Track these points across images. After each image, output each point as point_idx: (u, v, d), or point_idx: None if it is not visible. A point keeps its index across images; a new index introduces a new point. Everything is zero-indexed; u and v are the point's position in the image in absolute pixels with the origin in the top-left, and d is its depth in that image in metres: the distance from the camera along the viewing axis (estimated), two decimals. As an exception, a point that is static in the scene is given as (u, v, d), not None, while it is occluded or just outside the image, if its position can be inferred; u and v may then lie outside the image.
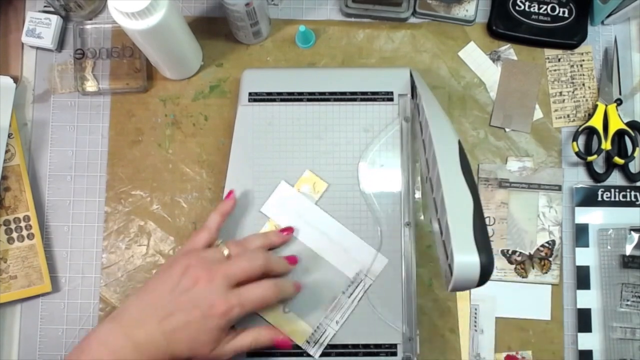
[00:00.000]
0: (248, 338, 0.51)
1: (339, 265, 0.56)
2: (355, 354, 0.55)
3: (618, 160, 0.61)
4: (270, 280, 0.51)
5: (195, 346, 0.48)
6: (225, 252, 0.51)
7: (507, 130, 0.63)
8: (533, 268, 0.60)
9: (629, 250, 0.60)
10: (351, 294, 0.56)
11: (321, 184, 0.58)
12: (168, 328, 0.47)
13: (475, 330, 0.60)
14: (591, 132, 0.62)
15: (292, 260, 0.55)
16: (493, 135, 0.63)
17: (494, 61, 0.64)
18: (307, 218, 0.57)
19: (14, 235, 0.60)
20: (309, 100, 0.60)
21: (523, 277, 0.60)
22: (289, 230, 0.56)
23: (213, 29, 0.64)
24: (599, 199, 0.62)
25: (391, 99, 0.59)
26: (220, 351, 0.49)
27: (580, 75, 0.64)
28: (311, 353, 0.55)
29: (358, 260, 0.56)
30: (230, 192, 0.56)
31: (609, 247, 0.61)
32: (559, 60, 0.64)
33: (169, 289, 0.48)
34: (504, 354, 0.59)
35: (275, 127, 0.59)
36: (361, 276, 0.56)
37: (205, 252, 0.51)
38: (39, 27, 0.62)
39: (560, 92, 0.64)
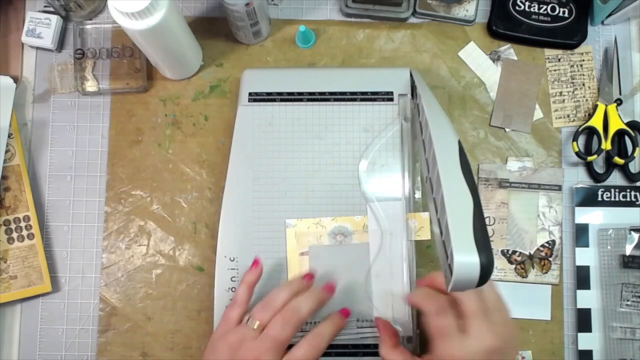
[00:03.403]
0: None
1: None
2: (355, 354, 0.55)
3: (618, 160, 0.61)
4: (309, 334, 0.51)
5: None
6: (256, 324, 0.50)
7: (507, 130, 0.63)
8: (533, 268, 0.60)
9: (629, 250, 0.60)
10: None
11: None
12: None
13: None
14: (591, 132, 0.62)
15: (329, 288, 0.53)
16: (493, 135, 0.63)
17: (494, 61, 0.64)
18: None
19: (14, 235, 0.60)
20: (309, 100, 0.60)
21: (523, 277, 0.60)
22: (311, 277, 0.54)
23: (213, 29, 0.64)
24: (599, 199, 0.62)
25: (391, 99, 0.59)
26: None
27: (580, 75, 0.64)
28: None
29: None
30: (256, 261, 0.54)
31: (609, 247, 0.61)
32: (559, 60, 0.64)
33: None
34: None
35: (275, 127, 0.59)
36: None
37: (242, 331, 0.50)
38: (39, 27, 0.62)
39: (560, 92, 0.64)
